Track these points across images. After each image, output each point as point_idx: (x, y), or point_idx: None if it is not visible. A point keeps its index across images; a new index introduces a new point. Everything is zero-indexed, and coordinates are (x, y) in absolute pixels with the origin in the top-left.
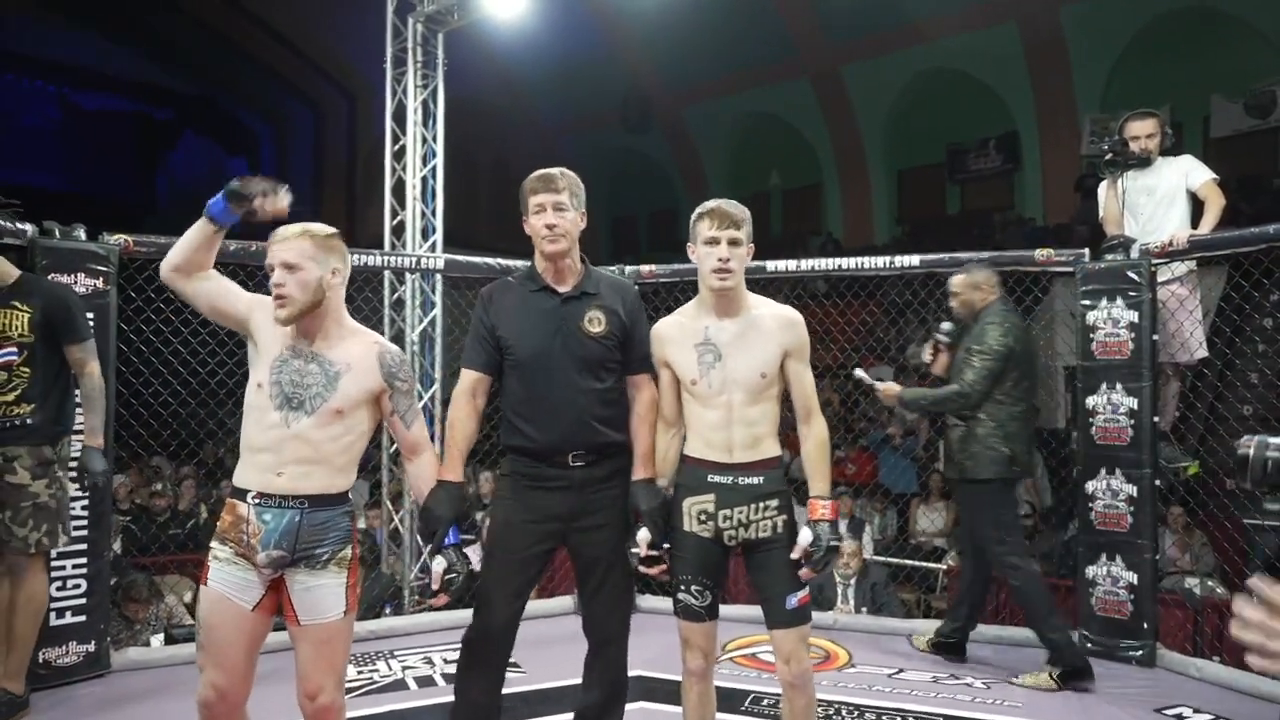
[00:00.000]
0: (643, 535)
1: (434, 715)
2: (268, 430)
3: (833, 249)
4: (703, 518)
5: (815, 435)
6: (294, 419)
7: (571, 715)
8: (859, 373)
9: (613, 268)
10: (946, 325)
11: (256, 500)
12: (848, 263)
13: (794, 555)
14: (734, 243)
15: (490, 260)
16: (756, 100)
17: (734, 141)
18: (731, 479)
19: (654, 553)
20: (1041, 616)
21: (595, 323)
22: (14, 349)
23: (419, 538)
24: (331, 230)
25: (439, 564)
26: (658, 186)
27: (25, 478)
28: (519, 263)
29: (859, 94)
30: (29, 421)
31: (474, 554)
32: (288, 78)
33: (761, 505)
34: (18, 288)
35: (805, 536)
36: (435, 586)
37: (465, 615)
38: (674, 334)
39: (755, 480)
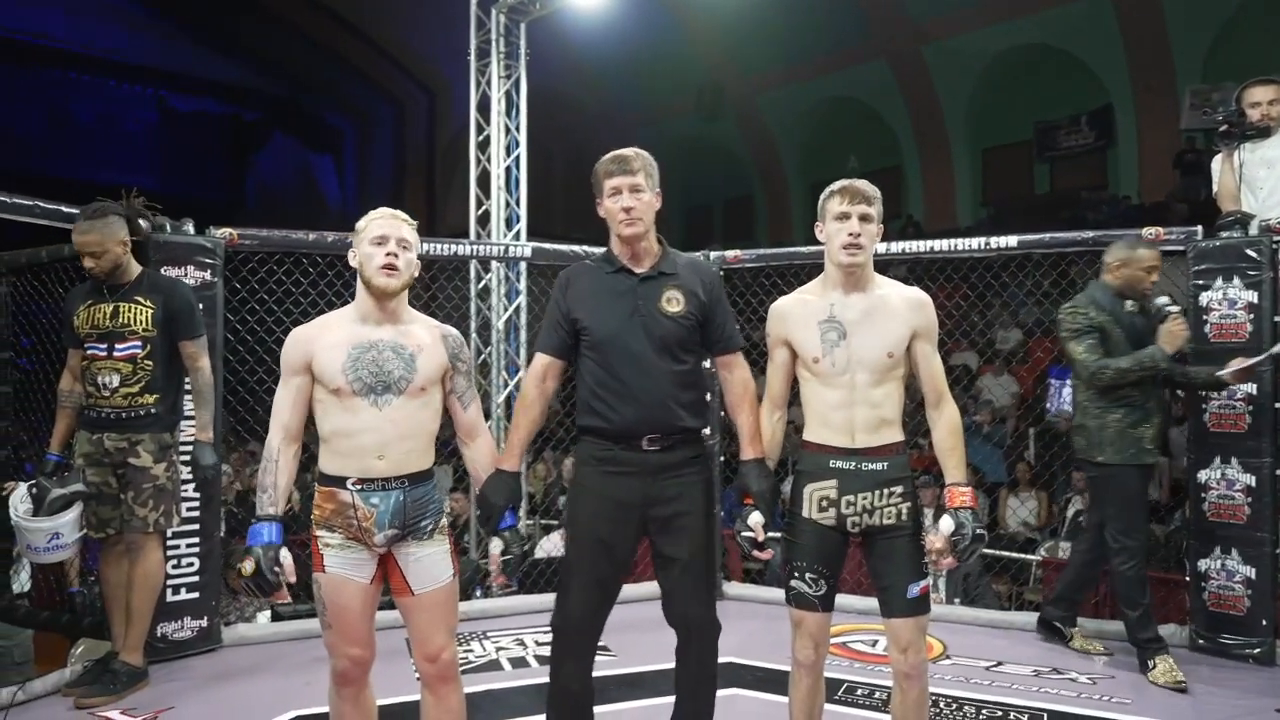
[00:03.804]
0: (756, 519)
1: (528, 695)
2: (359, 415)
3: (913, 232)
4: (824, 504)
5: (947, 420)
6: (384, 401)
7: (658, 699)
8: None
9: (696, 255)
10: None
11: (358, 486)
12: (940, 244)
13: (937, 545)
14: (865, 218)
15: (576, 248)
16: (832, 84)
17: (809, 127)
18: (854, 464)
19: (769, 535)
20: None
21: (673, 302)
22: (138, 342)
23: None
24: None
25: (495, 546)
26: (732, 175)
27: (148, 461)
28: (601, 250)
29: (940, 73)
30: (154, 411)
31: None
32: (370, 76)
33: (885, 491)
34: (140, 284)
35: (947, 524)
36: (493, 568)
37: (554, 598)
38: (796, 311)
39: (879, 466)
